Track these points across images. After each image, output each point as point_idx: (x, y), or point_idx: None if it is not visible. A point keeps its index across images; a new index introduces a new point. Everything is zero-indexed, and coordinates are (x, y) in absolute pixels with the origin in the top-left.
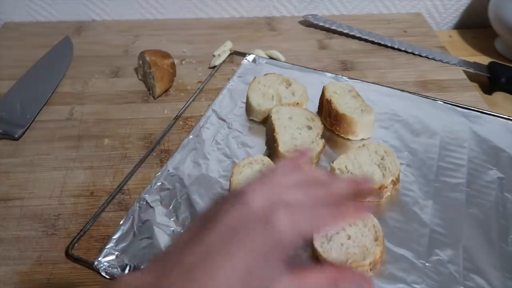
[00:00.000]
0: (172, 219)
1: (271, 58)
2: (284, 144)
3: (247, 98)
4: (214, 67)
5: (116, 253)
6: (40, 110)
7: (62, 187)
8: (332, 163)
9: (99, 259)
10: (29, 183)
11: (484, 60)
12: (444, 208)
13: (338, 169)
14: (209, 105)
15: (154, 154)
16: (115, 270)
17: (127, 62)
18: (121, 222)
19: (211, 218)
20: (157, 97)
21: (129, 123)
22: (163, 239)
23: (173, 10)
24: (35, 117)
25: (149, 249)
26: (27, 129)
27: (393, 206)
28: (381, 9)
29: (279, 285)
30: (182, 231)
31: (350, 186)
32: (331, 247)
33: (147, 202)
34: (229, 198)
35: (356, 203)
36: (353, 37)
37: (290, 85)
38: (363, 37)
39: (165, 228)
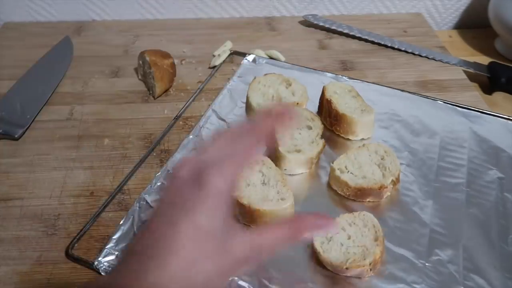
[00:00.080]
0: None
1: (271, 58)
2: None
3: (247, 98)
4: (214, 67)
5: (116, 253)
6: (40, 110)
7: (62, 187)
8: (332, 163)
9: (99, 259)
10: (29, 183)
11: (484, 60)
12: (444, 208)
13: (338, 169)
14: (209, 105)
15: (154, 154)
16: None
17: (127, 62)
18: (121, 222)
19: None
20: (157, 97)
21: (129, 123)
22: None
23: (173, 10)
24: (35, 117)
25: None
26: (27, 129)
27: (393, 206)
28: (381, 9)
29: (235, 239)
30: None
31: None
32: (331, 247)
33: (147, 202)
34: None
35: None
36: (353, 37)
37: (290, 85)
38: (363, 37)
39: None
